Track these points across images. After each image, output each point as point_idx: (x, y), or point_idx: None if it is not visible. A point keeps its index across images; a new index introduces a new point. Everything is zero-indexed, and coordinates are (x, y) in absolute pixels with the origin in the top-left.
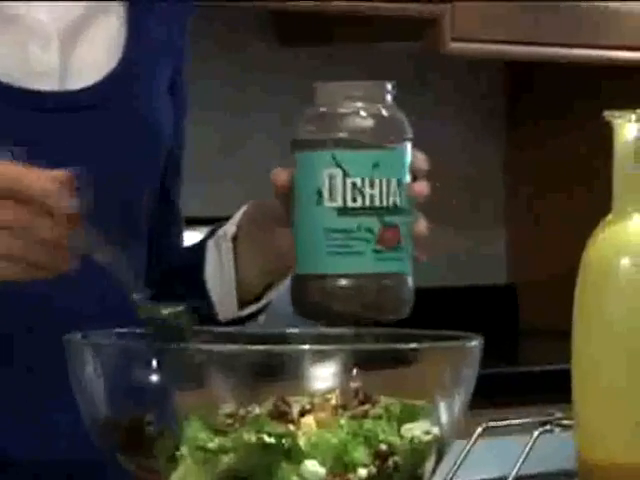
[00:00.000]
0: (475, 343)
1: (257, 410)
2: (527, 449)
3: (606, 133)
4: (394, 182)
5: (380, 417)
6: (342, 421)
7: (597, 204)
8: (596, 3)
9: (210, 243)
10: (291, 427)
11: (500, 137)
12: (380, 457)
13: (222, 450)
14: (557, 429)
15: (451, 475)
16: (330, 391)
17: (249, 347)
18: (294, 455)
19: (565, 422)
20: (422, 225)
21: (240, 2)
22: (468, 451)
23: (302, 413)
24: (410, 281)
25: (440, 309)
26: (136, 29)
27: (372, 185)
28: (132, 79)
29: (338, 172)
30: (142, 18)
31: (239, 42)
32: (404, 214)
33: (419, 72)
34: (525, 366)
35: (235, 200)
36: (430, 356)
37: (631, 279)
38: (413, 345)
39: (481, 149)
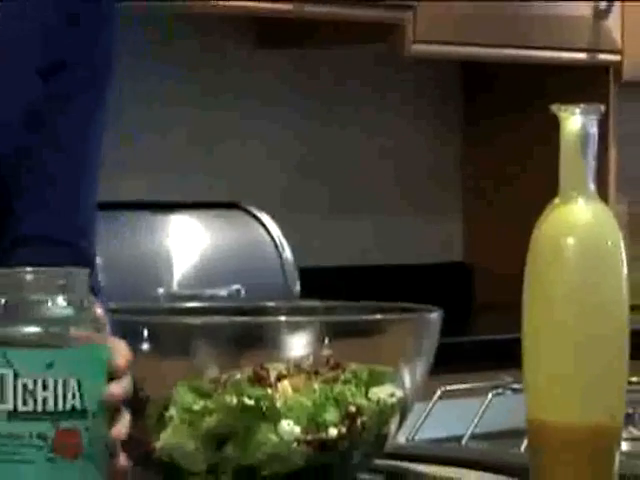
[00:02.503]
0: (435, 315)
1: (238, 376)
2: (481, 410)
3: (553, 126)
4: (73, 383)
5: (349, 382)
6: (315, 385)
7: (545, 189)
8: (550, 12)
9: None
10: (269, 391)
11: (457, 132)
12: (349, 417)
13: (206, 411)
14: (508, 392)
15: (413, 433)
16: (304, 358)
17: (231, 319)
18: (271, 416)
19: (515, 386)
20: (120, 428)
21: (219, 5)
22: (428, 412)
23: (279, 378)
24: None
25: (402, 285)
26: None
27: (45, 387)
28: None
29: (9, 372)
30: None
31: (217, 43)
32: (87, 418)
33: (384, 72)
34: (479, 336)
35: (210, 192)
36: (395, 327)
37: (574, 255)
38: (379, 316)
39: (440, 142)
